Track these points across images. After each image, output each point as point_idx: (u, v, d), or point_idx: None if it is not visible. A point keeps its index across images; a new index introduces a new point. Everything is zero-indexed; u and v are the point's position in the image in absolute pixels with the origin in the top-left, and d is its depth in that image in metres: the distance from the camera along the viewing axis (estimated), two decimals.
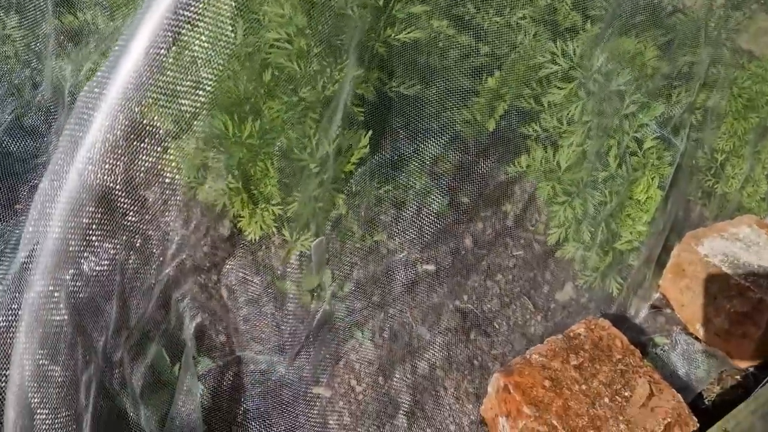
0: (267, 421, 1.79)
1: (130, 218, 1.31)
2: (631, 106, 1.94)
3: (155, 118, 1.24)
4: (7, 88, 2.05)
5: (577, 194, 2.06)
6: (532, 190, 2.54)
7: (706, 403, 2.07)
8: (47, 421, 1.39)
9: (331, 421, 1.91)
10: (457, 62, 2.18)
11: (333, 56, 1.86)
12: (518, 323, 2.24)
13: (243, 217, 2.13)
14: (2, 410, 1.40)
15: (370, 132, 1.92)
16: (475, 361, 2.13)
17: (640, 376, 1.88)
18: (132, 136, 1.31)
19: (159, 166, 1.32)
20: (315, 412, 1.88)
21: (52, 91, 1.98)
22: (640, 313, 2.26)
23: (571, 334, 1.98)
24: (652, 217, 2.07)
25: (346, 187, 2.06)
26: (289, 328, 1.95)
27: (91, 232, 1.34)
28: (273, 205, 2.06)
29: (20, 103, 2.06)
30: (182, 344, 1.74)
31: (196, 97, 1.26)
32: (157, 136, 1.29)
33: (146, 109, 1.28)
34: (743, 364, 2.14)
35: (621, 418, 1.78)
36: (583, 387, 1.83)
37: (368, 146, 1.91)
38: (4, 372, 1.37)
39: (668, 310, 2.29)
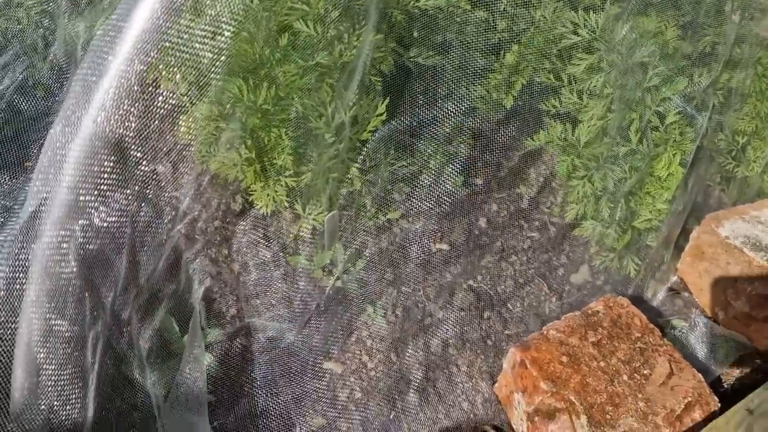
0: (274, 389, 1.74)
1: (142, 168, 1.27)
2: (654, 79, 1.89)
3: (172, 62, 1.20)
4: (19, 47, 2.02)
5: (596, 169, 2.01)
6: (548, 173, 2.50)
7: (725, 386, 2.02)
8: (53, 377, 1.35)
9: (341, 396, 1.86)
10: (474, 37, 2.14)
11: (351, 21, 1.82)
12: (532, 304, 2.20)
13: (255, 190, 2.09)
14: (9, 365, 1.36)
15: (387, 100, 1.88)
16: (489, 341, 2.08)
17: (660, 355, 1.83)
18: (147, 81, 1.27)
19: (174, 116, 1.29)
20: (323, 384, 1.84)
21: (65, 49, 1.95)
22: (658, 296, 2.21)
23: (589, 311, 1.93)
24: (673, 195, 2.02)
25: (360, 158, 2.02)
26: (300, 296, 1.90)
27: (102, 181, 1.30)
28: (286, 177, 2.02)
29: (32, 62, 2.03)
30: (190, 309, 1.69)
31: (215, 43, 1.22)
32: (173, 82, 1.26)
33: (163, 54, 1.24)
34: (764, 348, 2.09)
35: (640, 395, 1.73)
36: (602, 364, 1.79)
37: (385, 114, 1.87)
38: (12, 325, 1.33)
39: (686, 294, 2.24)
